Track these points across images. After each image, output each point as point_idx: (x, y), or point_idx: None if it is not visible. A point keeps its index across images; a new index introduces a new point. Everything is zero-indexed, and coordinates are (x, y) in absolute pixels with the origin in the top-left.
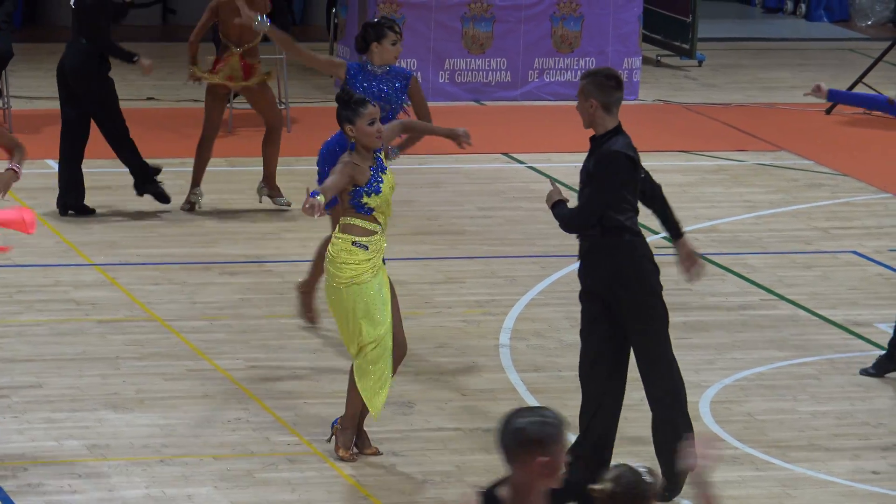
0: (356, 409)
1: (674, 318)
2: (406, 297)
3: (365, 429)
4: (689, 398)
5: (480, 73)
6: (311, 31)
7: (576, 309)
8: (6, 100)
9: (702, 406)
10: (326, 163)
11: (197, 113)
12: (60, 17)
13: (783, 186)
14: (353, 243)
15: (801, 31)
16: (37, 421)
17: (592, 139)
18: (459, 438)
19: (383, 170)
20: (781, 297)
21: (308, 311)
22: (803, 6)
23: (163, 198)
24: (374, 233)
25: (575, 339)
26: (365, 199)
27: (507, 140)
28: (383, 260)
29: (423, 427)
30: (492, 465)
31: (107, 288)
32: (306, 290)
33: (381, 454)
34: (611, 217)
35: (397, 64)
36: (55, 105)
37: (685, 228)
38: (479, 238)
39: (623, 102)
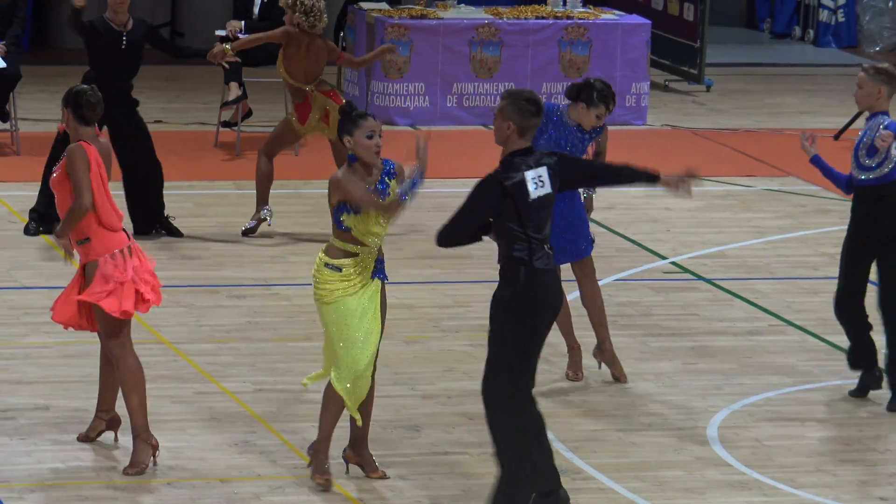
0: (327, 433)
1: (681, 342)
2: (413, 320)
3: (371, 452)
4: (697, 423)
5: (488, 97)
6: None
7: (585, 333)
8: (14, 122)
9: (710, 431)
10: None
11: (205, 136)
12: (68, 39)
13: (791, 212)
14: (326, 265)
15: (809, 57)
16: (44, 443)
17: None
18: (466, 462)
19: (387, 183)
20: (789, 323)
21: None
22: (811, 32)
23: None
24: (352, 255)
25: (584, 363)
26: (343, 217)
27: None
28: (381, 279)
29: (430, 451)
30: None
31: None
32: None
33: (389, 478)
34: (500, 245)
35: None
36: None
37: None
38: (485, 262)
39: (631, 127)
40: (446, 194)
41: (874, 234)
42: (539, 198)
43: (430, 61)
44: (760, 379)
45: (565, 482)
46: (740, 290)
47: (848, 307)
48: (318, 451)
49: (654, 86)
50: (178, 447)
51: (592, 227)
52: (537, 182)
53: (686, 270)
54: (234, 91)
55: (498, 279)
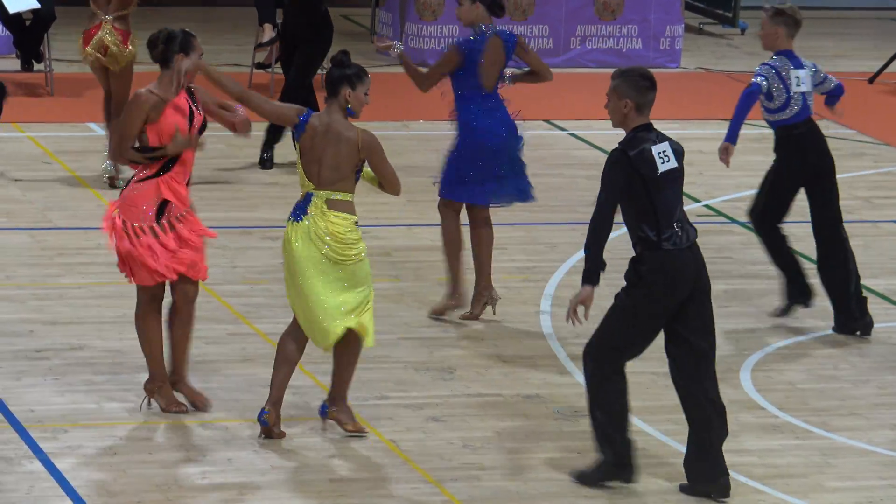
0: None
1: (715, 285)
2: (442, 262)
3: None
4: (730, 366)
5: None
6: None
7: (615, 277)
8: (48, 63)
9: (743, 374)
10: None
11: (239, 77)
12: None
13: None
14: (357, 223)
15: (843, 0)
16: (77, 383)
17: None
18: (499, 404)
19: None
20: None
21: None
22: None
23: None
24: (350, 215)
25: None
26: (363, 172)
27: (548, 107)
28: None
29: (463, 393)
30: (532, 432)
31: None
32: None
33: (366, 433)
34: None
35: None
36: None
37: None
38: (520, 205)
39: (665, 69)
40: None
41: (799, 170)
42: (666, 172)
43: None
44: (794, 322)
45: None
46: None
47: (768, 225)
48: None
49: (688, 28)
50: (211, 388)
51: None
52: (663, 157)
53: (719, 213)
54: (268, 33)
55: None
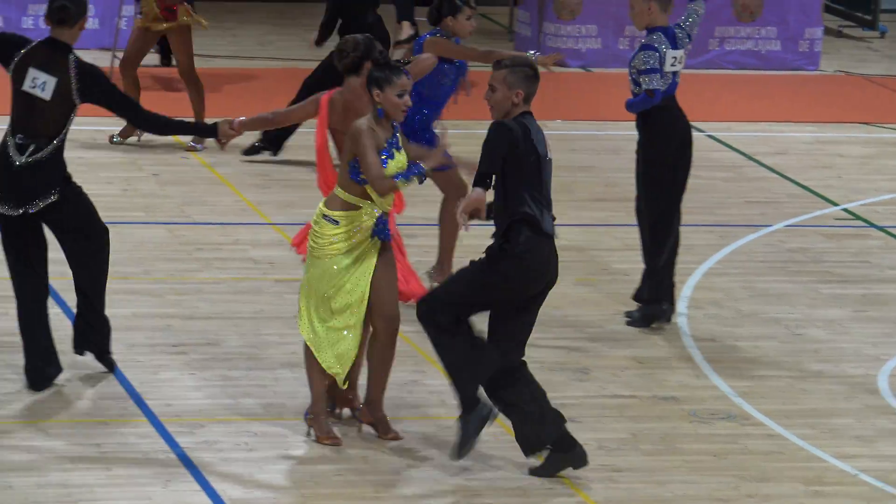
0: (318, 392)
1: (852, 290)
2: (583, 263)
3: (385, 413)
4: (867, 371)
5: None
6: None
7: (754, 279)
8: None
9: (880, 379)
10: None
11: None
12: None
13: None
14: (324, 216)
15: None
16: (214, 378)
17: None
18: (635, 406)
19: (397, 148)
20: None
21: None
22: None
23: None
24: (355, 208)
25: (753, 308)
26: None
27: (686, 108)
28: (383, 238)
29: (599, 394)
30: (667, 434)
31: (284, 247)
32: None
33: (402, 438)
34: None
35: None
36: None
37: None
38: None
39: (804, 72)
40: (618, 137)
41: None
42: (551, 159)
43: (603, 3)
44: None
45: (733, 427)
46: None
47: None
48: (316, 415)
49: (827, 31)
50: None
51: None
52: (545, 143)
53: (858, 217)
54: (407, 30)
55: None
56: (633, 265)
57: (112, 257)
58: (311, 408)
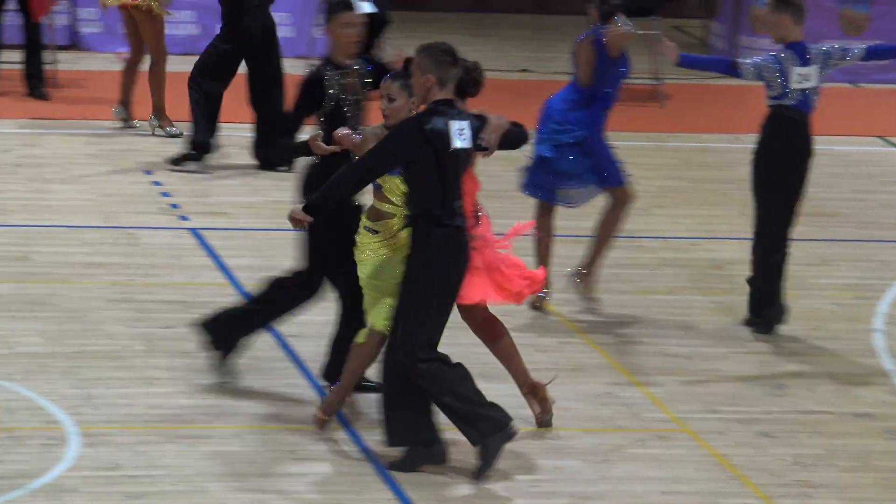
0: (350, 384)
1: None
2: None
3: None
4: None
5: None
6: (682, 8)
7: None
8: None
9: None
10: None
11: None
12: None
13: None
14: (365, 227)
15: None
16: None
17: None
18: (830, 422)
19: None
20: None
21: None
22: None
23: None
24: (386, 216)
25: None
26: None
27: (883, 123)
28: None
29: (794, 409)
30: (862, 451)
31: None
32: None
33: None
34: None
35: None
36: None
37: None
38: (852, 221)
39: None
40: None
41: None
42: (459, 150)
43: None
44: None
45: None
46: None
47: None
48: (334, 391)
49: None
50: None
51: None
52: (460, 134)
53: None
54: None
55: None
56: (829, 280)
57: None
58: (331, 407)
